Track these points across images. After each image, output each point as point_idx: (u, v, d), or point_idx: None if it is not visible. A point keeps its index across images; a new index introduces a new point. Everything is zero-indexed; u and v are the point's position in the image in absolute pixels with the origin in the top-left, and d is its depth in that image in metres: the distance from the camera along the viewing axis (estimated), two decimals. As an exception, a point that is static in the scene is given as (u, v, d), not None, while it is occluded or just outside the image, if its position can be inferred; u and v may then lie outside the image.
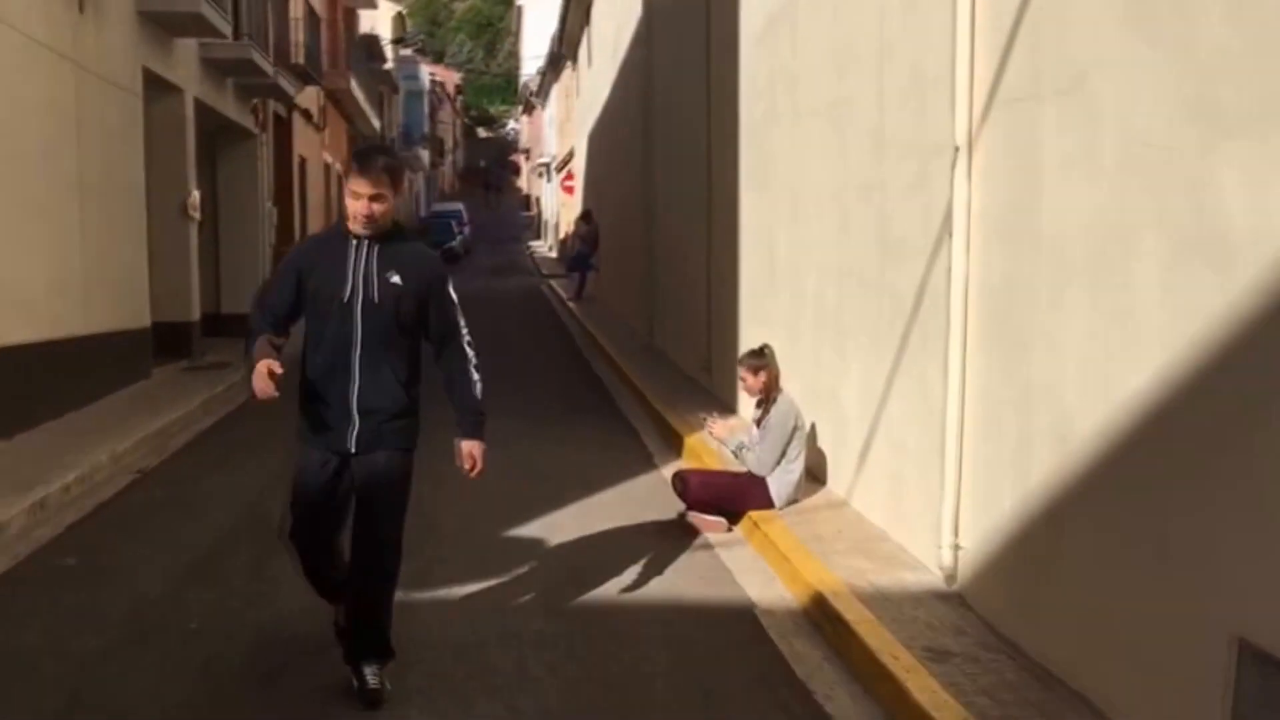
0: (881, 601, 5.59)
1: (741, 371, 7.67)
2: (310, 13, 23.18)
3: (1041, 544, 4.76)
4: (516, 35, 70.50)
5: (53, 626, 5.62)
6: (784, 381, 7.64)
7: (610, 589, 6.20)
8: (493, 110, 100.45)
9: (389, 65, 41.75)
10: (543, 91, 52.59)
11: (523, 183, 75.96)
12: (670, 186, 14.92)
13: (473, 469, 4.70)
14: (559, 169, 42.29)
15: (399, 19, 48.05)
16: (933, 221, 5.57)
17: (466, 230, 46.21)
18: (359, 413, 4.49)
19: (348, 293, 4.45)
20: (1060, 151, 4.44)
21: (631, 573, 6.46)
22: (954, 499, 5.55)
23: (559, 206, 41.98)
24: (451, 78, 77.75)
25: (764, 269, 9.62)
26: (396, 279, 4.47)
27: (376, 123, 33.97)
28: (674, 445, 9.96)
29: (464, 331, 4.71)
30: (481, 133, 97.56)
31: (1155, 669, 3.88)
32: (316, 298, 4.51)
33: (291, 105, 22.15)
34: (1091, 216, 4.22)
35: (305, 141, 24.57)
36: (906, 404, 6.28)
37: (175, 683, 4.86)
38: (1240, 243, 3.39)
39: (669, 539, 7.15)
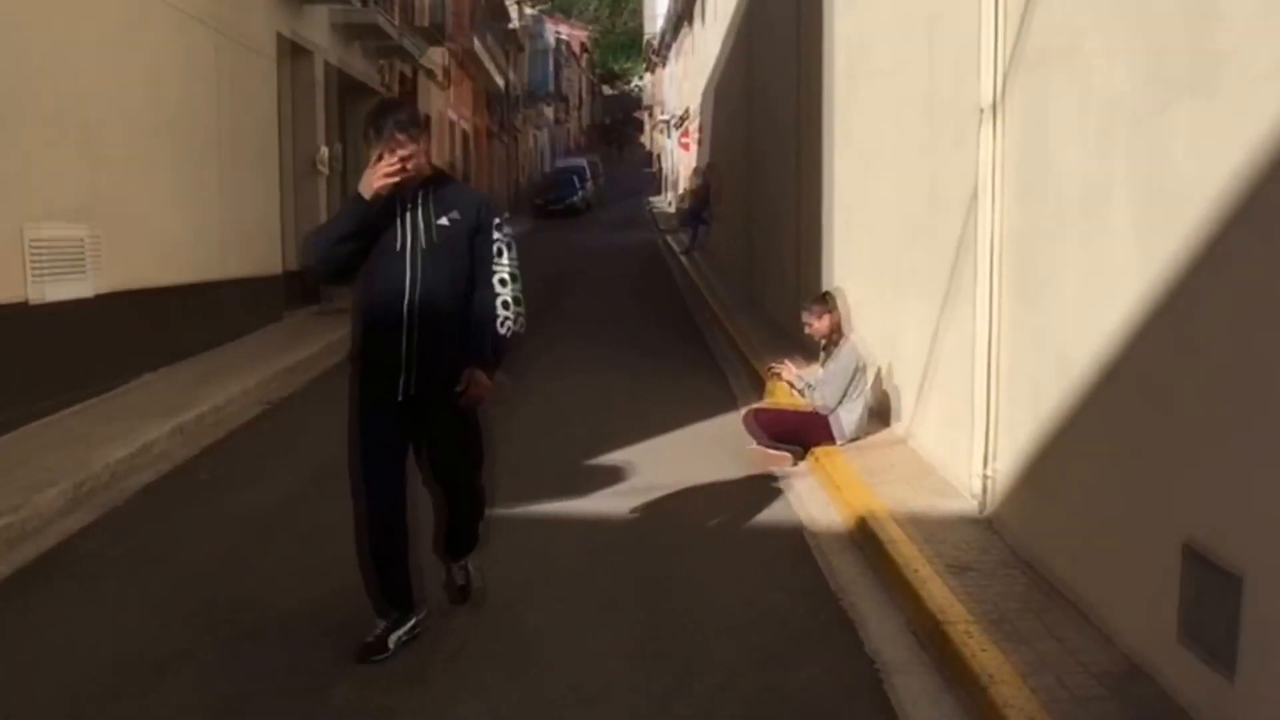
0: (916, 524, 6.16)
1: (806, 316, 8.25)
2: (437, -25, 24.12)
3: (1047, 470, 5.29)
4: (642, -8, 70.80)
5: (189, 531, 6.53)
6: (860, 326, 8.19)
7: (676, 509, 6.89)
8: (618, 68, 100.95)
9: (514, 24, 42.61)
10: (664, 49, 53.02)
11: (646, 139, 76.53)
12: (766, 145, 15.45)
13: (464, 391, 4.48)
14: (677, 125, 42.78)
15: (525, -23, 48.91)
16: (969, 178, 6.08)
17: (589, 185, 47.09)
18: (416, 362, 4.44)
19: (400, 239, 4.42)
20: (1061, 112, 4.93)
21: (697, 495, 7.13)
22: (984, 432, 6.08)
23: (677, 163, 42.52)
24: (579, 35, 78.47)
25: (843, 225, 10.14)
26: (449, 220, 4.47)
27: (500, 80, 34.88)
28: (758, 389, 10.58)
29: (505, 265, 4.56)
30: (608, 89, 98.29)
31: (1126, 576, 4.41)
32: (369, 247, 4.44)
33: (417, 65, 23.10)
34: (1081, 173, 4.72)
35: (431, 99, 25.54)
36: (952, 347, 6.80)
37: (298, 580, 5.70)
38: (1188, 191, 3.88)
39: (738, 469, 7.79)
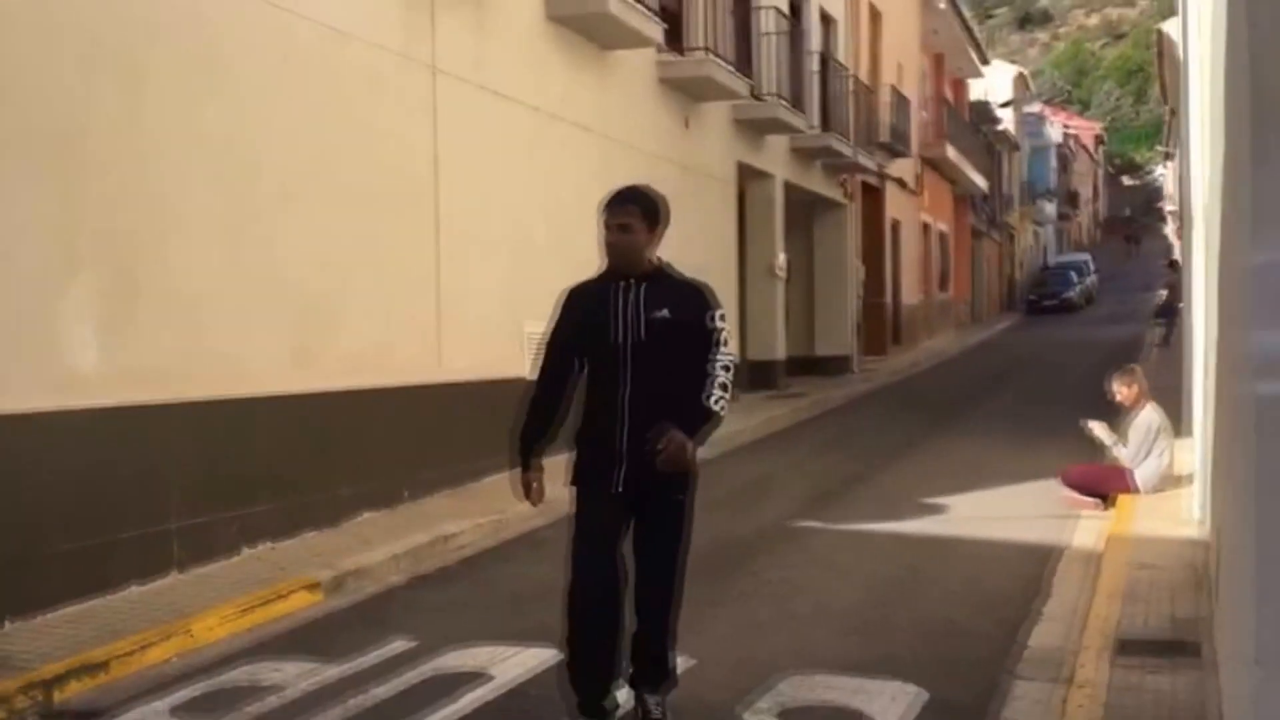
0: (1140, 542, 7.59)
1: (1115, 385, 9.65)
2: (900, 98, 26.51)
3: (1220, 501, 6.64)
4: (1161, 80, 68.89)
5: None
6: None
7: (973, 529, 8.70)
8: (1139, 157, 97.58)
9: (1004, 126, 43.98)
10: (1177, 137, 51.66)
11: (1169, 230, 73.58)
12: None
13: (661, 451, 4.37)
14: (1175, 216, 41.86)
15: (1020, 79, 50.04)
16: None
17: (1087, 280, 46.95)
18: (628, 454, 4.43)
19: (614, 333, 4.47)
20: None
21: (1000, 523, 8.87)
22: (1204, 470, 7.41)
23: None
24: (1090, 127, 77.41)
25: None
26: (664, 313, 4.48)
27: (982, 182, 36.47)
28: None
29: (722, 355, 4.54)
30: (1128, 180, 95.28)
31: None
32: (585, 342, 4.57)
33: (883, 175, 25.57)
34: None
35: (899, 205, 27.85)
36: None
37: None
38: None
39: (1050, 509, 9.37)
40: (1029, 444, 13.01)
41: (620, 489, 4.45)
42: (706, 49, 15.17)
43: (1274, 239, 2.86)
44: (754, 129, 18.15)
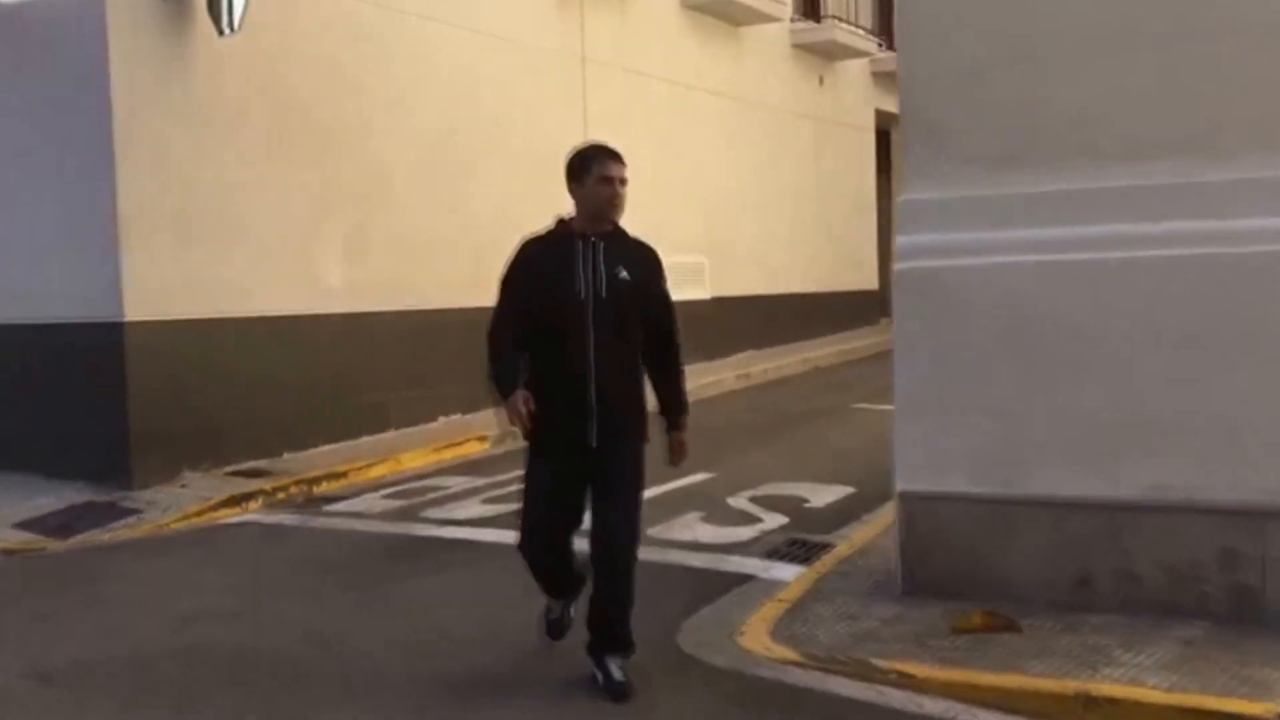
0: None
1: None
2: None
3: None
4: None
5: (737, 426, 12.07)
6: None
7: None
8: None
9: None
10: None
11: None
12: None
13: (680, 459, 4.75)
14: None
15: None
16: None
17: None
18: (598, 408, 4.46)
19: (580, 291, 4.45)
20: None
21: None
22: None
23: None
24: None
25: None
26: (625, 274, 4.50)
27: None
28: None
29: (677, 328, 4.71)
30: None
31: None
32: (548, 300, 4.48)
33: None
34: None
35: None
36: None
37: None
38: None
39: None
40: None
41: (595, 442, 4.47)
42: (835, 17, 17.59)
43: (910, 187, 5.39)
44: (892, 80, 20.36)
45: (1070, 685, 4.17)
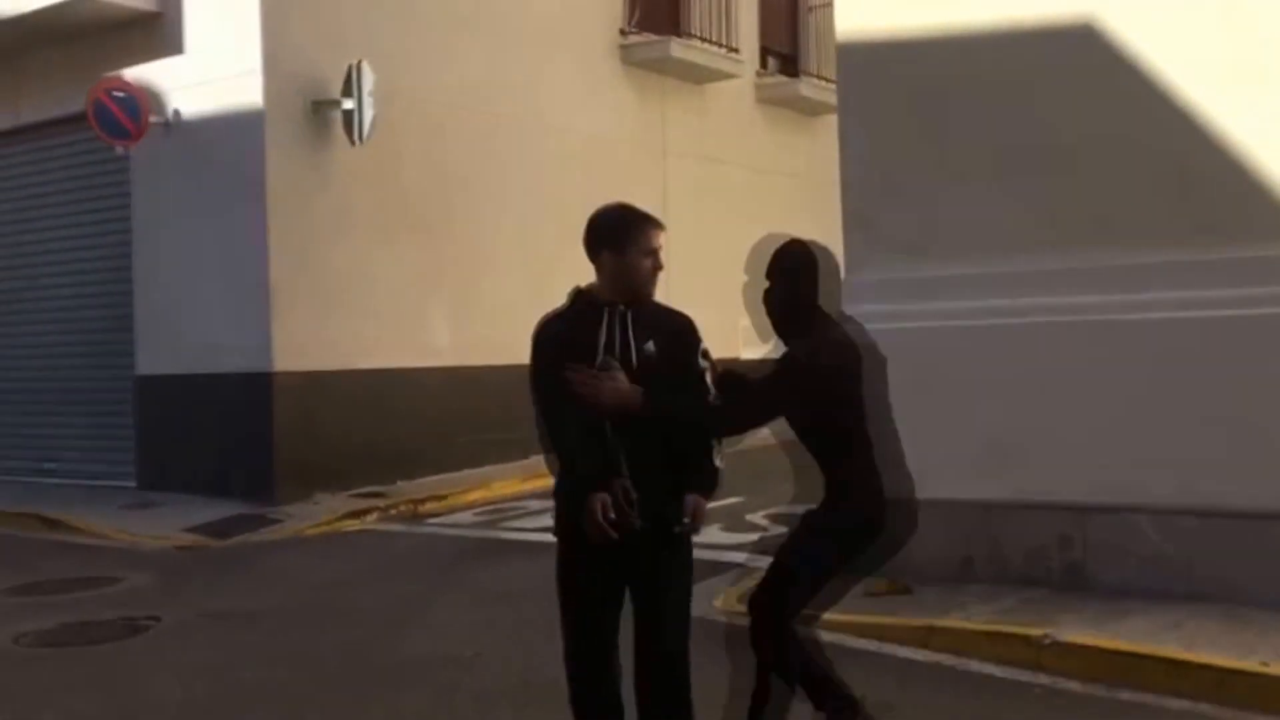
0: None
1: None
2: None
3: None
4: None
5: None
6: None
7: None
8: None
9: None
10: None
11: None
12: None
13: (694, 521, 3.97)
14: None
15: None
16: None
17: None
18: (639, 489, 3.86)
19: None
20: None
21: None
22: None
23: None
24: None
25: None
26: (652, 347, 3.99)
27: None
28: None
29: (710, 393, 4.12)
30: None
31: None
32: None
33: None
34: None
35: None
36: None
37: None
38: None
39: None
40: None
41: (637, 526, 3.83)
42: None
43: (853, 268, 7.17)
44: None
45: (922, 621, 5.88)
